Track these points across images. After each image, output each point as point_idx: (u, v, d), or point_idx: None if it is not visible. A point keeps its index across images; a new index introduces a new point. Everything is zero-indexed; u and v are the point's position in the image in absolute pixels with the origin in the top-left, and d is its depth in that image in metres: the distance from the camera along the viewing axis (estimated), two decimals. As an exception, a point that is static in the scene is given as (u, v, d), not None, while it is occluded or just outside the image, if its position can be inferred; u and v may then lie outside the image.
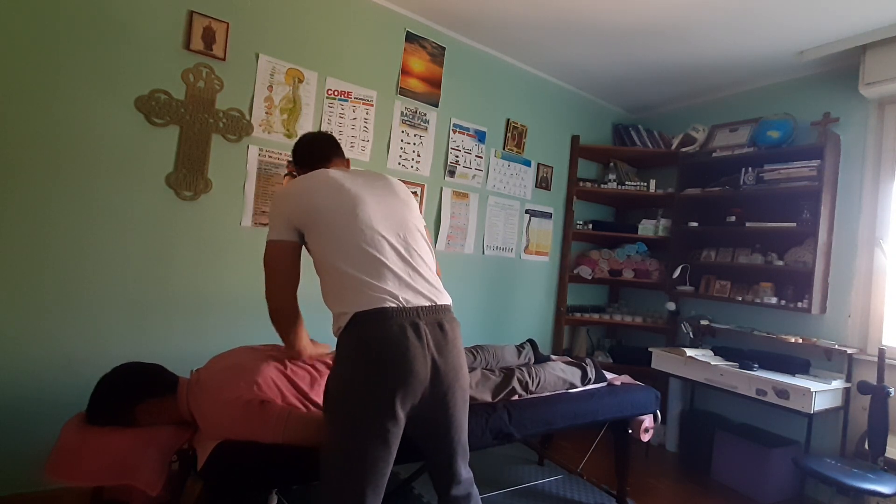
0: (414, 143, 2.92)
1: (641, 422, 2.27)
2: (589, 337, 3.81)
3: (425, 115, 2.96)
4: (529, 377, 1.99)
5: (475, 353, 2.15)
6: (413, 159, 2.93)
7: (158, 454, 1.36)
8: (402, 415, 1.20)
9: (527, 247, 3.52)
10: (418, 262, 1.30)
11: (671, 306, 3.43)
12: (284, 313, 1.37)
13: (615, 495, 2.37)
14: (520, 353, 2.29)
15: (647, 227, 3.63)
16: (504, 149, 3.36)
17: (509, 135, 3.37)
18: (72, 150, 1.95)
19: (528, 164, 3.49)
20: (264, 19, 2.38)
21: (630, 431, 2.30)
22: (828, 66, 2.88)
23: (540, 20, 2.77)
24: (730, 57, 2.97)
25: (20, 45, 1.85)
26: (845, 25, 2.49)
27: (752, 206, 3.05)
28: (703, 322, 3.17)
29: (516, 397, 1.93)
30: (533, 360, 2.29)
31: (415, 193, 2.93)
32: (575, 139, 3.73)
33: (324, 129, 2.57)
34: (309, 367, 1.59)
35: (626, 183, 3.66)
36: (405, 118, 2.88)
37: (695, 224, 3.28)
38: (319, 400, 1.44)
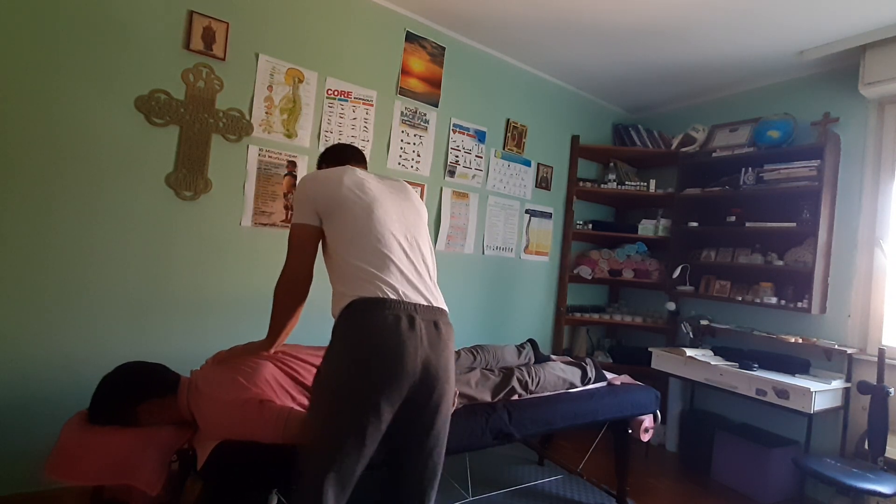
0: (414, 143, 2.92)
1: (641, 422, 2.28)
2: (589, 337, 3.81)
3: (425, 115, 2.96)
4: (529, 377, 1.99)
5: (475, 353, 2.15)
6: (413, 159, 2.93)
7: (158, 454, 1.36)
8: (385, 408, 1.18)
9: (527, 247, 3.52)
10: (421, 267, 1.34)
11: (671, 306, 3.43)
12: (298, 283, 1.36)
13: (615, 495, 2.37)
14: (520, 353, 2.29)
15: (647, 227, 3.63)
16: (504, 149, 3.36)
17: (509, 135, 3.37)
18: (72, 150, 1.96)
19: (528, 164, 3.50)
20: (264, 19, 2.38)
21: (630, 431, 2.30)
22: (828, 66, 2.88)
23: (540, 20, 2.77)
24: (730, 57, 2.97)
25: (20, 45, 1.85)
26: (845, 25, 2.49)
27: (752, 206, 3.05)
28: (703, 322, 3.17)
29: (516, 397, 1.94)
30: (533, 360, 2.29)
31: (415, 193, 2.93)
32: (575, 139, 3.73)
33: (324, 128, 2.58)
34: (308, 361, 1.59)
35: (626, 183, 3.66)
36: (405, 118, 2.88)
37: (695, 224, 3.28)
38: None
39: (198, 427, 1.42)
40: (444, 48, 3.01)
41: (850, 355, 2.62)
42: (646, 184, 3.60)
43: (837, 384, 2.54)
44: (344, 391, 1.18)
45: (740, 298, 3.05)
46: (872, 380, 2.36)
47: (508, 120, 3.36)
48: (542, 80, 3.54)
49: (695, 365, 2.84)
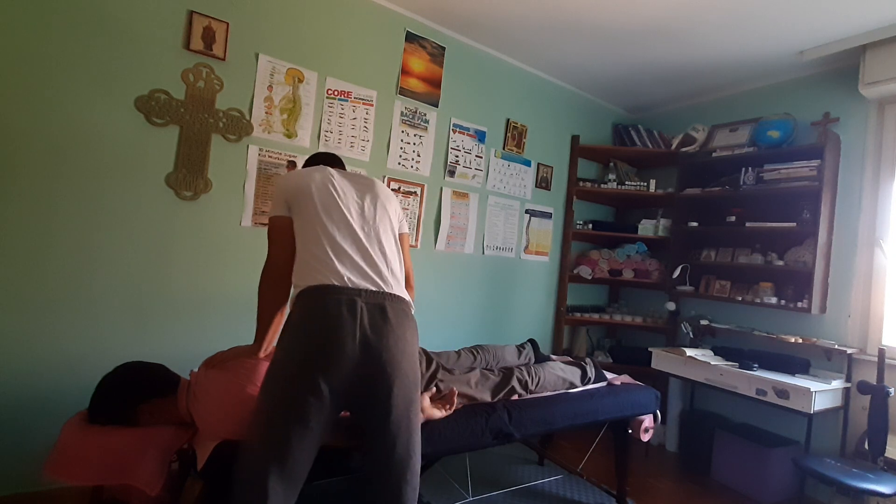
0: (414, 143, 2.92)
1: (641, 422, 2.28)
2: (589, 337, 3.81)
3: (425, 115, 2.96)
4: (529, 377, 1.99)
5: (475, 353, 2.15)
6: (413, 159, 2.93)
7: (158, 454, 1.35)
8: (325, 388, 1.19)
9: (527, 247, 3.52)
10: (377, 256, 1.37)
11: (671, 306, 3.43)
12: (278, 272, 1.40)
13: (615, 495, 2.37)
14: (520, 353, 2.29)
15: (647, 227, 3.63)
16: (504, 149, 3.36)
17: (509, 135, 3.37)
18: (72, 151, 1.96)
19: (528, 164, 3.50)
20: (264, 19, 2.38)
21: (630, 431, 2.30)
22: (828, 66, 2.88)
23: (540, 20, 2.77)
24: (730, 57, 2.97)
25: (20, 46, 1.85)
26: (845, 25, 2.49)
27: (752, 206, 3.05)
28: (703, 322, 3.17)
29: (516, 397, 1.94)
30: (533, 360, 2.29)
31: (414, 193, 2.93)
32: (575, 139, 3.73)
33: (324, 128, 2.58)
34: None
35: (626, 183, 3.66)
36: (405, 118, 2.88)
37: (695, 224, 3.28)
38: None
39: (197, 428, 1.42)
40: (444, 48, 3.01)
41: (850, 355, 2.62)
42: (646, 184, 3.60)
43: (837, 384, 2.54)
44: (284, 373, 1.22)
45: (740, 298, 3.05)
46: (872, 380, 2.36)
47: (508, 120, 3.36)
48: (542, 80, 3.54)
49: (695, 365, 2.84)
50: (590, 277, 3.69)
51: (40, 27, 1.88)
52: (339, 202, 1.39)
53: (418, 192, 2.95)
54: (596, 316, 3.70)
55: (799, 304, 2.76)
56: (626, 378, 2.43)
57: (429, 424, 1.57)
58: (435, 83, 2.99)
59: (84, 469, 1.31)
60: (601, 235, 3.73)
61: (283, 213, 1.40)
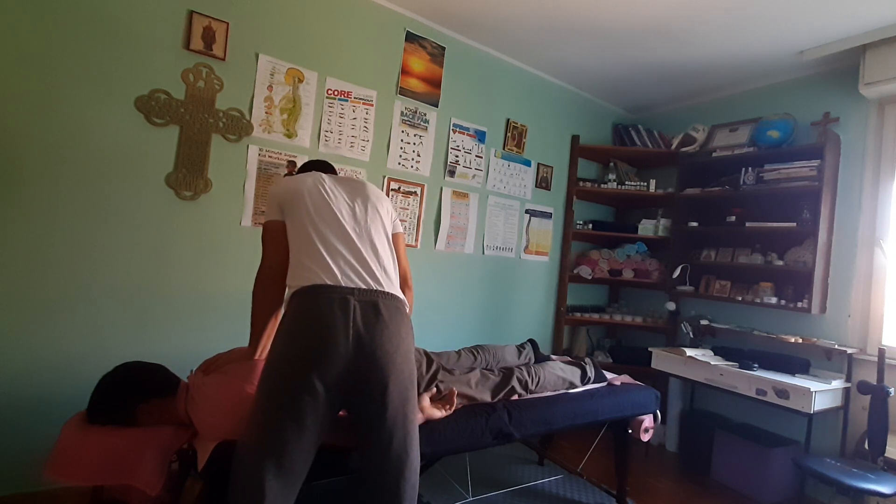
0: (414, 143, 2.92)
1: (641, 422, 2.28)
2: (589, 337, 3.81)
3: (425, 114, 2.96)
4: (529, 376, 1.99)
5: (475, 353, 2.15)
6: (413, 159, 2.93)
7: (158, 454, 1.35)
8: (319, 387, 1.20)
9: (527, 247, 3.52)
10: (369, 256, 1.38)
11: (671, 306, 3.43)
12: (272, 275, 1.42)
13: (615, 495, 2.37)
14: (520, 353, 2.29)
15: (647, 227, 3.63)
16: (504, 149, 3.36)
17: (509, 135, 3.37)
18: (72, 151, 1.96)
19: (528, 164, 3.50)
20: (264, 19, 2.38)
21: (630, 431, 2.30)
22: (828, 66, 2.88)
23: (540, 20, 2.77)
24: (730, 57, 2.97)
25: (20, 46, 1.85)
26: (845, 25, 2.49)
27: (752, 206, 3.05)
28: (703, 322, 3.18)
29: (516, 397, 1.94)
30: (533, 360, 2.29)
31: (414, 193, 2.93)
32: (575, 139, 3.73)
33: (324, 128, 2.58)
34: None
35: (626, 183, 3.66)
36: (405, 118, 2.88)
37: (695, 224, 3.28)
38: None
39: (196, 430, 1.42)
40: (444, 48, 3.01)
41: (850, 355, 2.62)
42: (646, 184, 3.60)
43: (837, 384, 2.54)
44: (279, 373, 1.23)
45: (740, 298, 3.05)
46: (872, 380, 2.36)
47: (508, 120, 3.36)
48: (542, 80, 3.54)
49: (695, 365, 2.84)
50: (590, 277, 3.69)
51: (40, 27, 1.88)
52: (331, 204, 1.41)
53: (418, 192, 2.95)
54: (596, 316, 3.70)
55: (799, 304, 2.76)
56: (626, 378, 2.43)
57: (429, 424, 1.57)
58: (435, 83, 2.99)
59: (84, 469, 1.31)
60: (601, 235, 3.73)
61: (277, 217, 1.42)
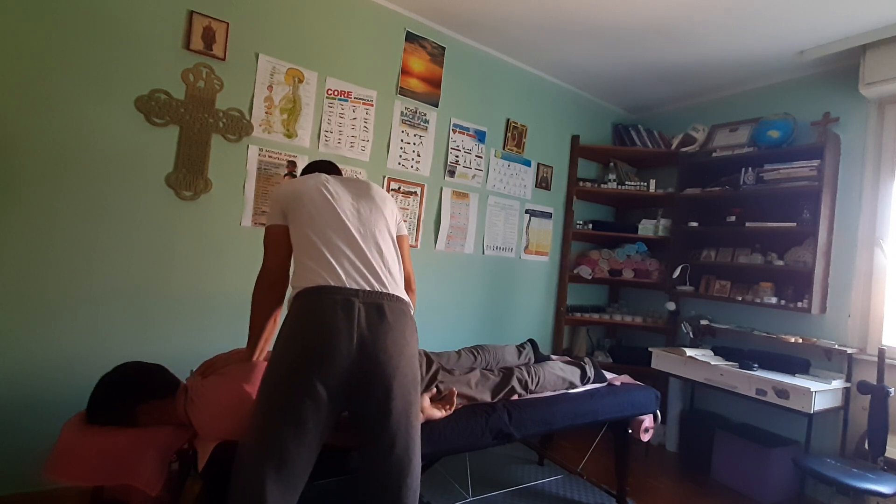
0: (414, 143, 2.92)
1: (641, 422, 2.28)
2: (589, 337, 3.81)
3: (425, 114, 2.96)
4: (529, 376, 2.00)
5: (475, 353, 2.15)
6: (413, 159, 2.93)
7: (158, 454, 1.35)
8: (322, 391, 1.19)
9: (527, 247, 3.52)
10: (374, 257, 1.37)
11: (671, 306, 3.43)
12: (272, 280, 1.42)
13: (615, 495, 2.37)
14: (520, 353, 2.29)
15: (647, 227, 3.63)
16: (504, 149, 3.36)
17: (509, 135, 3.37)
18: (72, 151, 1.96)
19: (528, 164, 3.50)
20: (264, 19, 2.38)
21: (630, 431, 2.30)
22: (828, 66, 2.88)
23: (540, 20, 2.77)
24: (730, 57, 2.97)
25: (21, 46, 1.85)
26: (845, 25, 2.49)
27: (752, 206, 3.05)
28: (703, 322, 3.18)
29: (516, 397, 1.94)
30: (533, 360, 2.29)
31: (414, 193, 2.93)
32: (575, 139, 3.73)
33: (324, 128, 2.58)
34: None
35: (626, 183, 3.66)
36: (405, 118, 2.88)
37: (695, 224, 3.28)
38: None
39: (196, 431, 1.42)
40: (444, 48, 3.01)
41: (850, 355, 2.62)
42: (646, 184, 3.60)
43: (837, 384, 2.54)
44: (281, 375, 1.21)
45: (740, 298, 3.05)
46: (872, 380, 2.36)
47: (508, 120, 3.36)
48: (542, 80, 3.54)
49: (695, 365, 2.84)
50: (590, 277, 3.69)
51: (41, 27, 1.88)
52: (334, 205, 1.39)
53: (418, 192, 2.95)
54: (596, 316, 3.70)
55: (799, 304, 2.76)
56: (626, 378, 2.43)
57: (429, 424, 1.56)
58: (435, 83, 2.99)
59: (84, 469, 1.31)
60: (601, 235, 3.73)
61: (279, 221, 1.41)
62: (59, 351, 1.95)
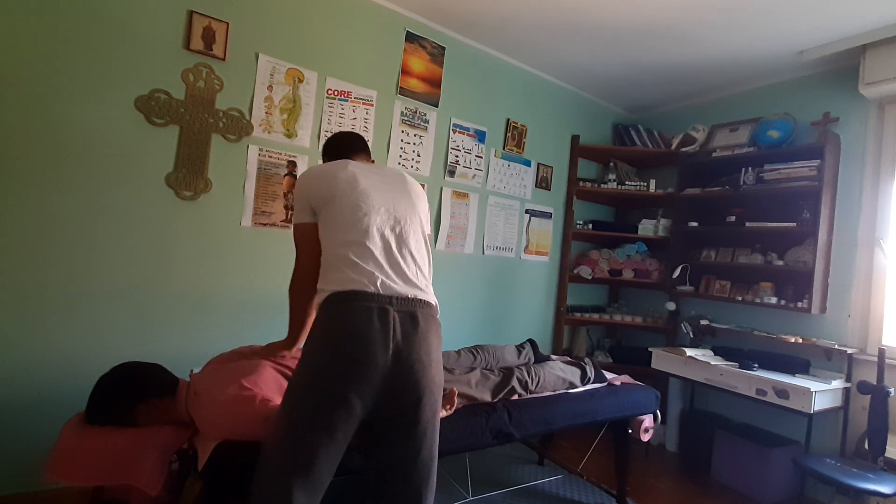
0: (414, 143, 2.92)
1: (641, 422, 2.28)
2: (589, 337, 3.81)
3: (425, 114, 2.96)
4: (529, 377, 1.99)
5: (475, 353, 2.15)
6: (413, 159, 2.93)
7: (158, 454, 1.35)
8: (356, 402, 1.17)
9: (527, 247, 3.52)
10: (407, 259, 1.33)
11: (671, 306, 3.43)
12: (305, 279, 1.39)
13: (615, 495, 2.37)
14: (520, 353, 2.29)
15: (647, 227, 3.63)
16: (504, 149, 3.36)
17: (509, 135, 3.37)
18: (72, 151, 1.96)
19: (528, 164, 3.49)
20: (264, 19, 2.38)
21: (630, 431, 2.30)
22: (828, 65, 2.88)
23: (540, 20, 2.77)
24: (730, 57, 2.97)
25: (21, 46, 1.85)
26: (845, 25, 2.49)
27: (752, 206, 3.05)
28: (703, 322, 3.17)
29: (516, 397, 1.94)
30: (533, 360, 2.29)
31: (415, 193, 2.93)
32: (575, 139, 3.73)
33: (324, 128, 2.58)
34: None
35: (626, 183, 3.66)
36: (405, 118, 2.88)
37: (695, 224, 3.28)
38: None
39: (197, 429, 1.42)
40: (444, 48, 3.01)
41: (850, 355, 2.62)
42: (646, 184, 3.60)
43: (837, 384, 2.54)
44: (313, 383, 1.18)
45: (740, 298, 3.05)
46: (872, 380, 2.36)
47: (508, 120, 3.36)
48: (542, 80, 3.54)
49: (695, 365, 2.84)
50: (590, 277, 3.69)
51: (41, 27, 1.88)
52: (368, 205, 1.32)
53: (418, 192, 2.95)
54: (596, 316, 3.70)
55: (799, 304, 2.76)
56: (626, 378, 2.43)
57: (429, 424, 1.56)
58: (435, 83, 2.99)
59: (84, 469, 1.31)
60: (601, 235, 3.73)
61: (308, 219, 1.37)
62: (59, 351, 1.95)
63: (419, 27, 2.91)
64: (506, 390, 1.90)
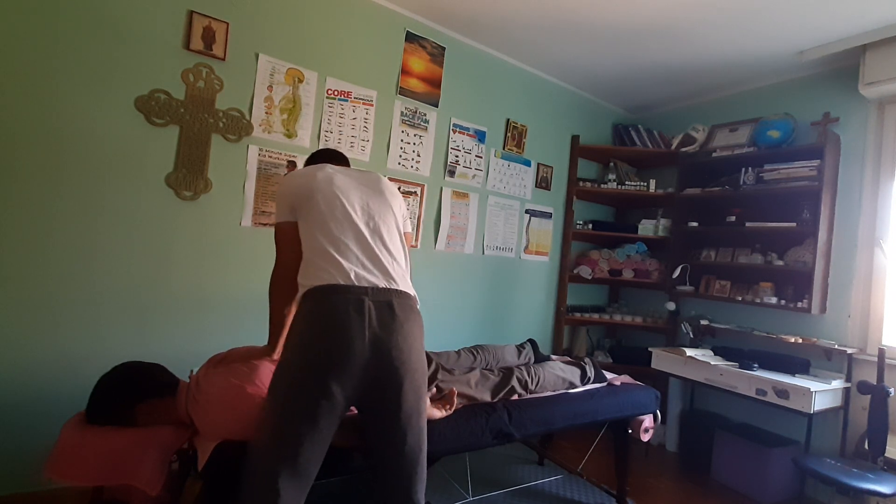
0: (414, 143, 2.92)
1: (641, 422, 2.28)
2: (589, 337, 3.81)
3: (425, 114, 2.96)
4: (529, 376, 1.99)
5: (475, 353, 2.15)
6: (413, 159, 2.93)
7: (158, 454, 1.35)
8: (337, 391, 1.20)
9: (527, 247, 3.52)
10: (382, 252, 1.37)
11: (671, 306, 3.43)
12: (285, 277, 1.41)
13: (615, 495, 2.37)
14: (520, 353, 2.29)
15: (647, 227, 3.63)
16: (504, 149, 3.36)
17: (509, 135, 3.37)
18: (72, 151, 1.96)
19: (528, 164, 3.50)
20: (264, 19, 2.38)
21: (630, 431, 2.30)
22: (828, 66, 2.88)
23: (540, 20, 2.77)
24: (730, 57, 2.97)
25: (20, 46, 1.85)
26: (845, 25, 2.49)
27: (752, 206, 3.05)
28: (703, 322, 3.18)
29: (516, 397, 1.94)
30: (533, 360, 2.29)
31: (414, 193, 2.93)
32: (575, 139, 3.73)
33: (324, 128, 2.58)
34: None
35: (626, 183, 3.66)
36: (405, 118, 2.88)
37: (695, 224, 3.28)
38: None
39: (197, 429, 1.42)
40: (444, 48, 3.01)
41: (850, 355, 2.62)
42: (646, 184, 3.60)
43: (837, 384, 2.54)
44: (294, 375, 1.22)
45: (740, 298, 3.05)
46: (872, 380, 2.36)
47: (508, 120, 3.36)
48: (542, 80, 3.54)
49: (695, 365, 2.84)
50: (590, 277, 3.69)
51: (41, 27, 1.88)
52: (343, 200, 1.38)
53: (418, 192, 2.95)
54: (596, 316, 3.70)
55: (799, 304, 2.76)
56: (626, 378, 2.43)
57: (429, 424, 1.56)
58: (435, 83, 2.99)
59: (84, 469, 1.31)
60: (601, 235, 3.73)
61: (289, 218, 1.41)
62: (59, 351, 1.95)
63: (419, 27, 2.91)
64: (506, 390, 1.90)
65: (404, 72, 2.86)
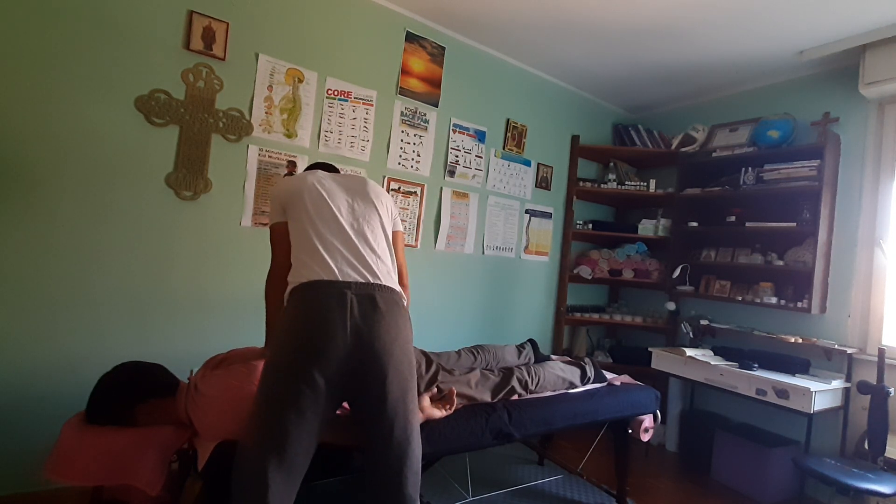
0: (414, 143, 2.92)
1: (641, 422, 2.28)
2: (589, 337, 3.81)
3: (425, 114, 2.96)
4: (529, 376, 1.99)
5: (475, 353, 2.15)
6: (413, 159, 2.93)
7: (158, 454, 1.36)
8: (319, 379, 1.22)
9: (527, 247, 3.52)
10: (366, 251, 1.40)
11: (671, 306, 3.43)
12: (280, 276, 1.44)
13: (615, 495, 2.37)
14: (520, 353, 2.29)
15: (647, 227, 3.63)
16: (504, 149, 3.36)
17: (509, 135, 3.37)
18: (72, 151, 1.96)
19: (528, 163, 3.49)
20: (264, 19, 2.38)
21: (630, 431, 2.30)
22: (828, 65, 2.88)
23: (540, 20, 2.77)
24: (730, 57, 2.97)
25: (21, 46, 1.85)
26: (845, 25, 2.49)
27: (752, 206, 3.05)
28: (703, 322, 3.17)
29: (516, 397, 1.94)
30: (533, 360, 2.29)
31: (414, 193, 2.93)
32: (575, 139, 3.73)
33: (324, 128, 2.58)
34: None
35: (626, 183, 3.66)
36: (405, 118, 2.88)
37: (695, 224, 3.28)
38: None
39: (196, 430, 1.42)
40: (444, 48, 3.01)
41: (850, 355, 2.62)
42: (646, 184, 3.60)
43: (837, 384, 2.54)
44: (280, 366, 1.25)
45: (740, 298, 3.05)
46: (872, 380, 2.36)
47: (508, 120, 3.36)
48: (542, 80, 3.54)
49: (695, 365, 2.84)
50: (590, 277, 3.69)
51: (41, 27, 1.88)
52: (329, 201, 1.44)
53: (418, 192, 2.95)
54: (596, 316, 3.70)
55: (799, 304, 2.76)
56: (626, 378, 2.43)
57: (429, 424, 1.57)
58: (435, 83, 2.99)
59: (84, 469, 1.31)
60: (601, 235, 3.73)
61: (281, 219, 1.47)
62: (59, 351, 1.95)
63: (419, 27, 2.91)
64: (506, 390, 1.90)
65: (404, 72, 2.86)
